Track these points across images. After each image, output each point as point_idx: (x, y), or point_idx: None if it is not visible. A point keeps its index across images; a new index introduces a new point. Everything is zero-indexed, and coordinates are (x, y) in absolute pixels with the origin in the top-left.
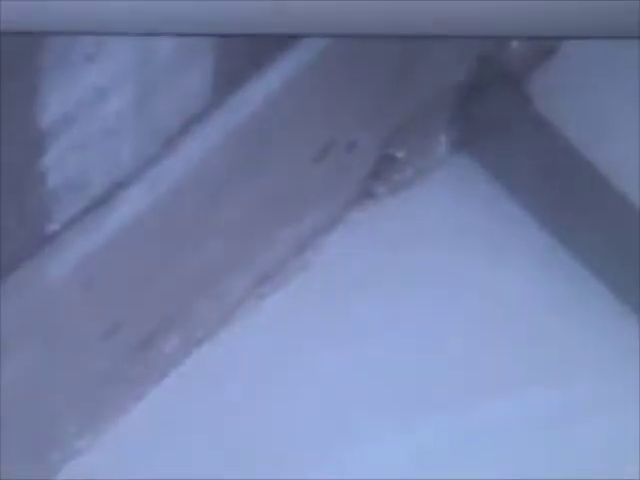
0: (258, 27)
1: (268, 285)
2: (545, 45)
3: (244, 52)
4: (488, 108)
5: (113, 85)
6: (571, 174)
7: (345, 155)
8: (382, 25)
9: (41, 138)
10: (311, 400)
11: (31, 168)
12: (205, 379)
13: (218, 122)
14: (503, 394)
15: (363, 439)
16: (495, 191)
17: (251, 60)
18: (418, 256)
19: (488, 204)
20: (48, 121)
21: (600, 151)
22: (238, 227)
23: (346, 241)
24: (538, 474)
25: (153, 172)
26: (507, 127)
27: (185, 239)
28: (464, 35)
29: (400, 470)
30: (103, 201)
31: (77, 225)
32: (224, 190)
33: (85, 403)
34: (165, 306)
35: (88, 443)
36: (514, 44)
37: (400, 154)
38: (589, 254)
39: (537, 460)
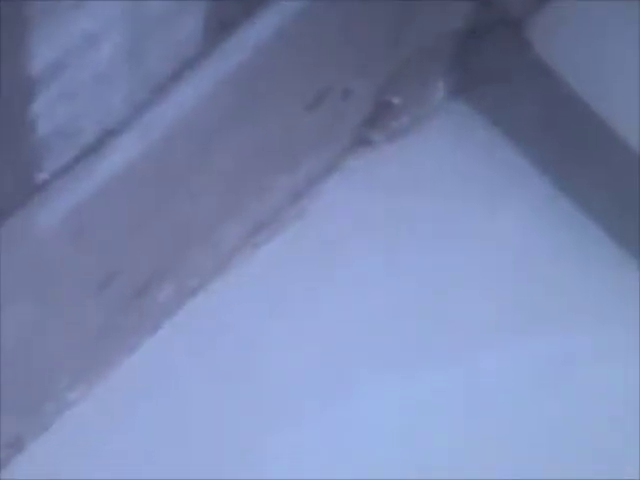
0: None
1: (263, 233)
2: None
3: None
4: (487, 54)
5: (103, 31)
6: (571, 120)
7: (340, 102)
8: None
9: (30, 86)
10: (309, 351)
11: (20, 117)
12: (200, 329)
13: (210, 69)
14: (503, 343)
15: (363, 390)
16: (494, 138)
17: (243, 6)
18: (415, 204)
19: (486, 151)
20: (37, 69)
21: (601, 97)
22: (232, 175)
23: (342, 189)
24: (539, 424)
25: (145, 119)
26: (507, 73)
27: (178, 187)
28: None
29: (400, 422)
30: (94, 149)
31: (68, 174)
32: (217, 137)
33: (78, 355)
34: (159, 255)
35: (81, 394)
36: None
37: (397, 101)
38: (589, 200)
39: (538, 409)
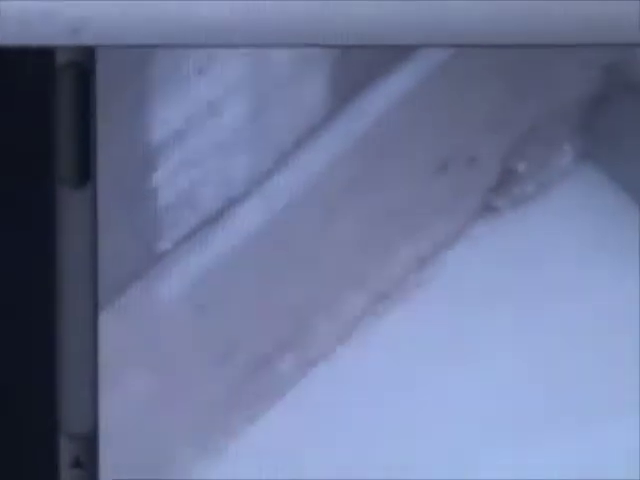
0: (374, 38)
1: (386, 302)
2: None
3: (360, 63)
4: (614, 118)
5: (225, 98)
6: None
7: (465, 169)
8: (504, 34)
9: (152, 154)
10: (433, 424)
11: (142, 185)
12: (322, 400)
13: (334, 135)
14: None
15: (485, 465)
16: (623, 204)
17: (368, 71)
18: (543, 272)
19: (616, 217)
20: (159, 136)
21: None
22: (355, 242)
23: (467, 256)
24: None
25: (267, 188)
26: (634, 137)
27: (300, 256)
28: (589, 43)
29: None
30: (216, 218)
31: (189, 243)
32: (340, 205)
33: (199, 428)
34: (280, 326)
35: (204, 468)
36: None
37: (522, 167)
38: None
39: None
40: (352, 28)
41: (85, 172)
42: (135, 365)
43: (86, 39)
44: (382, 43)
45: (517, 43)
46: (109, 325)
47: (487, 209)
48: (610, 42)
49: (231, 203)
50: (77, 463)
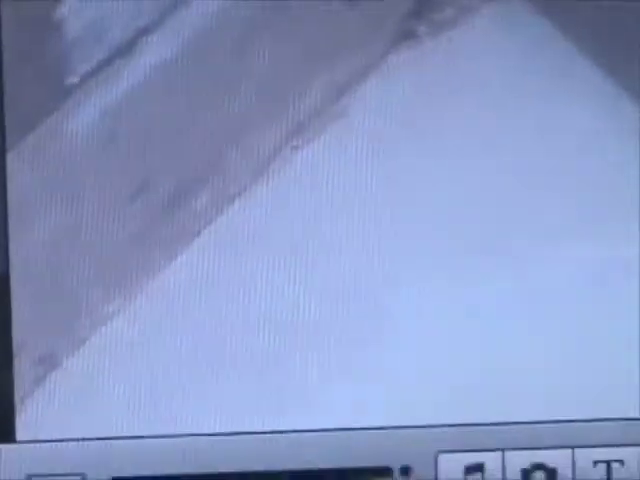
0: None
1: (303, 136)
2: None
3: None
4: None
5: None
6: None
7: None
8: None
9: None
10: (352, 253)
11: (48, 17)
12: (238, 237)
13: None
14: (558, 244)
15: (409, 291)
16: (545, 27)
17: None
18: (464, 100)
19: (540, 41)
20: None
21: None
22: (268, 74)
23: (385, 86)
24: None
25: (177, 17)
26: None
27: (212, 89)
28: None
29: (452, 325)
30: (125, 50)
31: (98, 76)
32: (252, 35)
33: (113, 267)
34: (194, 161)
35: (117, 308)
36: None
37: None
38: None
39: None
40: None
41: None
42: (46, 204)
43: None
44: None
45: None
46: (18, 165)
47: (405, 36)
48: None
49: (141, 34)
50: None
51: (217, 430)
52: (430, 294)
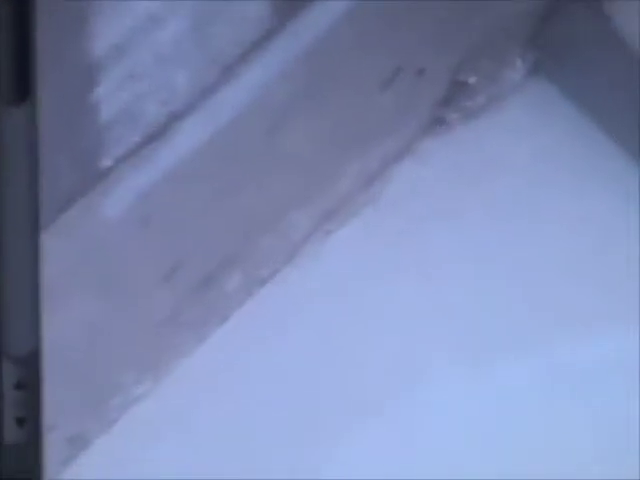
0: None
1: (335, 220)
2: None
3: None
4: (566, 29)
5: (167, 12)
6: None
7: (414, 82)
8: None
9: (93, 69)
10: (383, 341)
11: (83, 101)
12: (269, 320)
13: (279, 49)
14: (588, 332)
15: (439, 379)
16: (574, 116)
17: None
18: (493, 185)
19: (567, 130)
20: (100, 51)
21: None
22: (302, 159)
23: (416, 171)
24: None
25: (211, 102)
26: (584, 49)
27: (246, 172)
28: None
29: (479, 413)
30: (159, 134)
31: (132, 160)
32: (287, 120)
33: (144, 348)
34: (226, 243)
35: (148, 389)
36: None
37: (472, 80)
38: None
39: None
40: None
41: (24, 88)
42: (78, 285)
43: None
44: None
45: None
46: (52, 245)
47: (436, 123)
48: None
49: (175, 118)
50: (19, 385)
51: None
52: (458, 388)
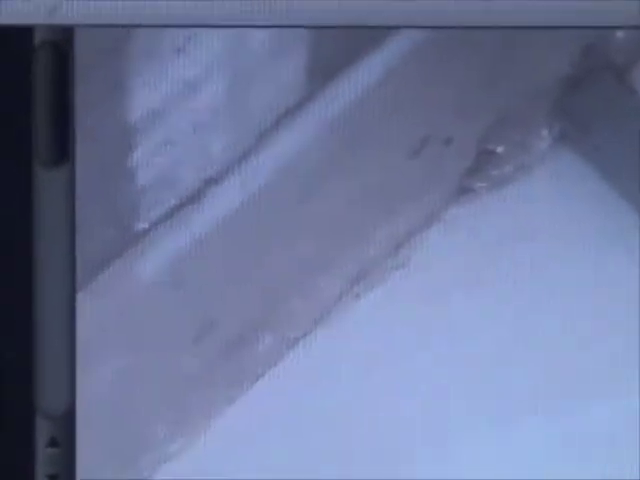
0: (352, 19)
1: (364, 284)
2: None
3: (337, 45)
4: (592, 100)
5: (203, 78)
6: None
7: (441, 151)
8: (479, 16)
9: (130, 134)
10: (409, 401)
11: (120, 165)
12: (300, 380)
13: (311, 116)
14: (607, 397)
15: (460, 440)
16: (600, 186)
17: (345, 52)
18: (520, 254)
19: (593, 200)
20: (137, 116)
21: None
22: (332, 224)
23: (444, 238)
24: None
25: (245, 168)
26: (611, 119)
27: (277, 236)
28: (566, 25)
29: (498, 473)
30: (194, 198)
31: (167, 224)
32: (317, 186)
33: (176, 406)
34: (257, 306)
35: (180, 447)
36: (619, 34)
37: (499, 149)
38: None
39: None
40: (330, 8)
41: (63, 152)
42: (112, 344)
43: (63, 18)
44: (359, 24)
45: (491, 25)
46: (87, 305)
47: (464, 191)
48: (585, 25)
49: (210, 183)
50: (53, 443)
51: None
52: (477, 449)
